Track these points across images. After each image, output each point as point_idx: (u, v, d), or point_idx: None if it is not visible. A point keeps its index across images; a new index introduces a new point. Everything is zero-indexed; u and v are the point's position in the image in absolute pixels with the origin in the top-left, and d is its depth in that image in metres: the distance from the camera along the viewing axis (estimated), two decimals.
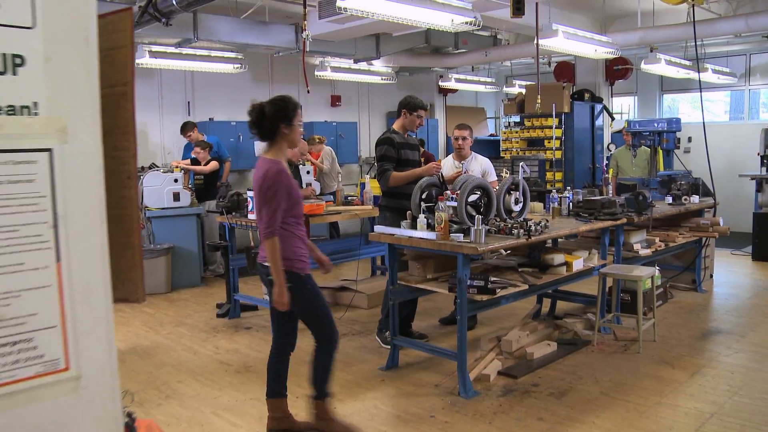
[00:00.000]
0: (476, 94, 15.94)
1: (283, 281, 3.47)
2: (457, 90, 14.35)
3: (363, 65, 10.07)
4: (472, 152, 5.87)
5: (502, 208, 4.89)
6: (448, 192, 4.75)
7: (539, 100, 6.56)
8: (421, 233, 4.44)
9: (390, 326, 5.00)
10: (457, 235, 4.32)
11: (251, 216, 6.01)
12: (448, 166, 5.81)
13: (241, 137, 10.37)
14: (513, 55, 9.96)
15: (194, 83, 10.28)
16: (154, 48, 7.64)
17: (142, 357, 5.48)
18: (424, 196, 4.97)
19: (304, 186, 7.43)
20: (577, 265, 5.10)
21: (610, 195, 6.38)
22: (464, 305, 4.19)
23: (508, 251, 5.19)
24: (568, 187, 5.97)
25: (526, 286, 4.57)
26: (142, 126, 9.76)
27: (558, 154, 10.41)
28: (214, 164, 8.58)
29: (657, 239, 6.17)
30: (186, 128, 9.00)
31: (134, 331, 6.24)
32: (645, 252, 5.84)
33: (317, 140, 10.02)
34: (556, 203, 5.73)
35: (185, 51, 7.88)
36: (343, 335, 5.89)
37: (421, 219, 4.53)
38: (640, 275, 5.12)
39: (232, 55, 8.34)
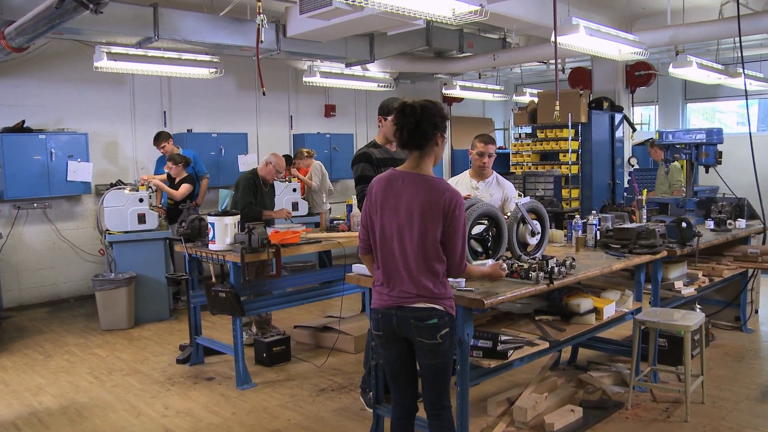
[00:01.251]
0: (483, 103, 14.96)
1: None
2: (462, 99, 13.37)
3: (357, 70, 9.08)
4: (494, 172, 4.82)
5: (516, 241, 3.87)
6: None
7: (557, 107, 5.54)
8: None
9: (373, 389, 3.99)
10: (457, 280, 3.30)
11: (212, 246, 5.02)
12: (462, 186, 4.77)
13: (223, 150, 9.40)
14: (524, 58, 8.94)
15: (171, 91, 9.32)
16: (114, 50, 6.67)
17: (72, 421, 4.47)
18: None
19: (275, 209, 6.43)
20: (609, 311, 4.07)
21: (644, 220, 5.34)
22: (466, 374, 3.16)
23: None
24: (594, 211, 4.95)
25: (545, 344, 3.54)
26: (111, 137, 8.81)
27: (574, 169, 9.37)
28: (186, 188, 7.55)
29: (700, 274, 5.12)
30: (159, 139, 8.04)
31: (75, 382, 5.24)
32: (688, 291, 4.80)
33: (305, 154, 9.04)
34: (580, 232, 4.70)
35: (152, 53, 6.90)
36: (321, 391, 4.86)
37: None
38: (687, 324, 4.08)
39: (207, 58, 7.36)
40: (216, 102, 9.78)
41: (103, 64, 6.75)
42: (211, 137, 9.34)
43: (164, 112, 9.26)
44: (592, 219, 4.76)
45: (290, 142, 10.92)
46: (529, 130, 10.03)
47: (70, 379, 5.31)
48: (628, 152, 10.21)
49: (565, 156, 9.44)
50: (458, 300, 3.12)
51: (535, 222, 3.99)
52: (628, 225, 4.70)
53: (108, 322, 6.89)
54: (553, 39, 5.65)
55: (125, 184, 7.74)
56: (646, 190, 5.60)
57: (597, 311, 3.99)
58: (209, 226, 5.05)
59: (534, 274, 3.37)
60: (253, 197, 6.02)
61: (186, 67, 7.24)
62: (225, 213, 5.07)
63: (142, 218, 7.14)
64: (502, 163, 11.23)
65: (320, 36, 7.12)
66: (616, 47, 6.50)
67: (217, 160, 9.37)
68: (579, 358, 5.31)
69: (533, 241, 3.98)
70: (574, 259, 3.65)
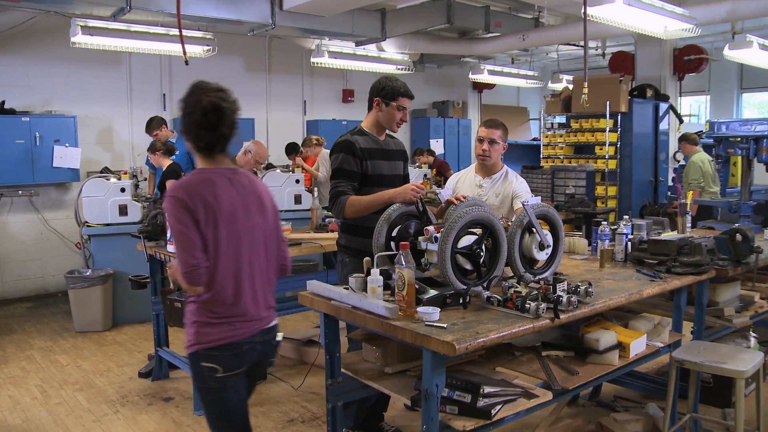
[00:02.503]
0: (518, 91, 13.99)
1: None
2: (494, 86, 12.44)
3: (372, 51, 8.25)
4: (506, 167, 3.97)
5: (518, 257, 3.02)
6: (432, 229, 2.93)
7: (585, 90, 4.65)
8: (371, 302, 2.62)
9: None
10: (429, 310, 2.49)
11: (170, 247, 4.29)
12: (465, 184, 3.96)
13: None
14: (556, 38, 7.97)
15: (171, 72, 8.66)
16: (91, 23, 5.99)
17: None
18: (394, 235, 3.17)
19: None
20: (637, 347, 3.19)
21: (689, 230, 4.41)
22: None
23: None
24: (625, 217, 4.06)
25: (548, 395, 2.70)
26: (106, 121, 8.20)
27: (612, 164, 8.39)
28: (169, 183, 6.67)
29: (757, 296, 4.17)
30: (152, 125, 7.34)
31: (17, 397, 4.59)
32: (741, 321, 3.86)
33: (315, 141, 8.29)
34: (607, 242, 3.81)
35: (135, 28, 6.21)
36: (289, 422, 4.10)
37: (374, 277, 2.70)
38: (740, 370, 3.18)
39: (199, 34, 6.64)
40: (221, 84, 9.05)
41: (80, 39, 6.08)
42: None
43: (164, 95, 8.60)
44: (623, 227, 3.86)
45: (303, 129, 10.19)
46: (562, 119, 9.07)
47: (14, 393, 4.67)
48: (673, 146, 9.16)
49: (601, 149, 8.46)
50: (423, 340, 2.31)
51: (545, 232, 3.13)
52: (666, 236, 3.79)
53: (82, 323, 6.27)
54: (583, 11, 4.74)
55: (112, 172, 7.10)
56: (692, 192, 4.66)
57: (622, 347, 3.12)
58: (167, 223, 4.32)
59: (533, 305, 2.52)
60: None
61: (175, 44, 6.52)
62: None
63: (123, 210, 6.48)
64: (534, 156, 10.29)
65: (322, 9, 6.33)
66: (661, 22, 5.56)
67: None
68: (604, 390, 4.45)
69: (542, 256, 3.12)
70: (590, 284, 2.78)
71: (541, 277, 3.04)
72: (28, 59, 7.57)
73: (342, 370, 2.97)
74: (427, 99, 12.09)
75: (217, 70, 8.91)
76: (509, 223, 3.08)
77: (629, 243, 3.78)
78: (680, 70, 9.30)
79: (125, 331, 6.23)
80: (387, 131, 3.65)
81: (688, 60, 9.14)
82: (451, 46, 8.88)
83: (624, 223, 3.99)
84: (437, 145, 11.51)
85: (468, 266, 2.87)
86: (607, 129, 8.35)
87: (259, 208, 2.46)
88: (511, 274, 3.04)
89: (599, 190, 8.34)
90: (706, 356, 3.28)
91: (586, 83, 4.67)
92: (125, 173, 6.70)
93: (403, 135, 11.63)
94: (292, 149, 8.50)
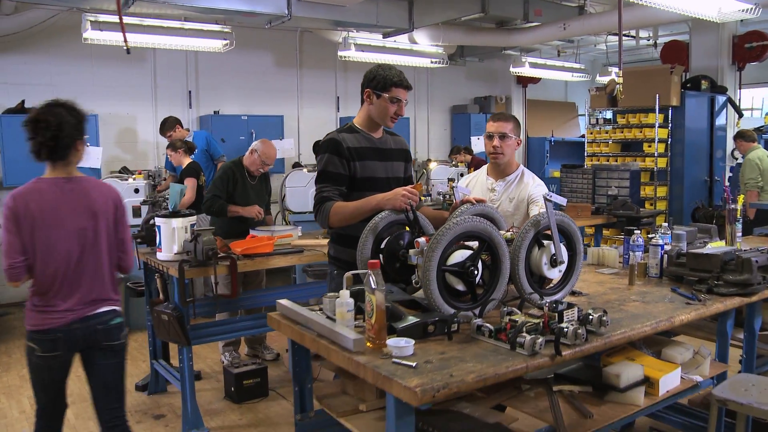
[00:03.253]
0: (565, 86, 13.30)
1: None
2: (539, 80, 11.82)
3: (403, 43, 7.82)
4: (521, 167, 3.52)
5: (523, 275, 2.55)
6: (423, 241, 2.50)
7: (620, 80, 4.11)
8: (335, 330, 2.21)
9: None
10: (401, 342, 2.06)
11: (159, 255, 3.98)
12: (476, 187, 3.51)
13: (254, 135, 8.39)
14: (600, 26, 7.34)
15: (198, 68, 8.43)
16: (101, 18, 5.77)
17: None
18: (384, 247, 2.75)
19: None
20: (669, 382, 2.68)
21: (740, 240, 3.82)
22: None
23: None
24: (664, 224, 3.53)
25: None
26: (129, 121, 8.02)
27: (662, 162, 7.73)
28: (190, 184, 6.27)
29: None
30: (165, 126, 7.11)
31: (5, 411, 4.41)
32: None
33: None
34: (639, 255, 3.30)
35: (147, 22, 5.95)
36: None
37: (343, 300, 2.29)
38: None
39: (216, 27, 6.34)
40: (249, 80, 8.81)
41: (90, 35, 5.86)
42: (240, 120, 8.38)
43: (189, 92, 8.38)
44: (659, 236, 3.34)
45: (336, 126, 9.82)
46: (608, 114, 8.44)
47: (3, 405, 4.46)
48: (731, 143, 8.41)
49: (650, 146, 7.81)
50: (384, 382, 1.89)
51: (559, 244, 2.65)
52: (711, 249, 3.25)
53: None
54: None
55: (130, 172, 6.91)
56: (743, 196, 4.06)
57: (649, 383, 2.62)
58: (156, 229, 4.01)
59: (527, 339, 2.06)
60: (223, 190, 4.95)
61: (189, 38, 6.25)
62: (175, 213, 4.01)
63: (137, 211, 6.29)
64: (578, 154, 9.66)
65: None
66: (715, 3, 4.94)
67: (247, 145, 8.38)
68: (639, 420, 3.91)
69: (554, 274, 2.64)
70: (605, 312, 2.30)
71: (551, 299, 2.57)
72: (51, 57, 7.45)
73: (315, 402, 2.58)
74: (468, 94, 11.58)
75: (244, 66, 8.68)
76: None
77: (665, 256, 3.26)
78: (740, 59, 8.52)
79: (134, 338, 5.98)
80: (384, 127, 3.23)
81: (750, 47, 8.36)
82: (487, 37, 8.35)
83: (661, 231, 3.47)
84: (478, 143, 10.94)
85: (461, 287, 2.44)
86: (657, 124, 7.70)
87: (89, 214, 2.71)
88: (518, 305, 2.57)
89: (647, 191, 7.70)
90: (757, 396, 2.74)
91: (620, 71, 4.12)
92: (140, 173, 6.49)
93: (442, 132, 11.18)
94: (318, 148, 8.14)
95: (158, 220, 3.97)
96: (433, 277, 2.32)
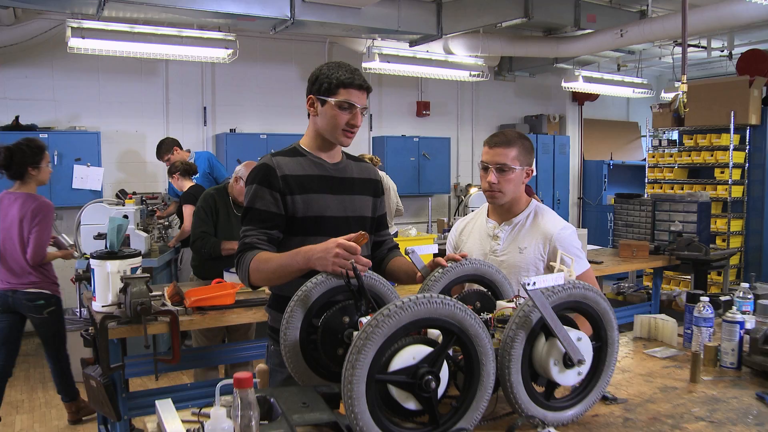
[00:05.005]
0: (627, 103, 12.15)
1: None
2: (597, 97, 10.75)
3: (437, 52, 6.96)
4: (534, 203, 2.58)
5: (518, 383, 1.64)
6: (368, 320, 1.62)
7: (684, 87, 3.16)
8: None
9: None
10: None
11: (95, 305, 3.23)
12: (474, 234, 2.61)
13: None
14: (663, 32, 6.24)
15: (215, 82, 7.79)
16: (86, 24, 5.15)
17: None
18: (320, 324, 1.89)
19: None
20: None
21: None
22: None
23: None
24: (743, 285, 2.55)
25: None
26: (138, 139, 7.42)
27: (737, 191, 6.58)
28: (188, 212, 5.51)
29: None
30: (162, 149, 6.46)
31: None
32: None
33: (367, 161, 7.08)
34: (707, 332, 2.33)
35: (138, 29, 5.31)
36: None
37: (214, 422, 1.43)
38: None
39: (219, 35, 5.65)
40: (271, 97, 8.12)
41: (74, 43, 5.26)
42: (258, 138, 7.68)
43: (204, 108, 7.74)
44: (735, 308, 2.35)
45: (369, 146, 9.05)
46: (673, 135, 7.34)
47: None
48: None
49: (723, 172, 6.68)
50: None
51: (577, 334, 1.72)
52: None
53: (77, 371, 5.39)
54: None
55: (125, 196, 6.28)
56: None
57: None
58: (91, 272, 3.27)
59: None
60: (210, 224, 4.20)
61: (186, 46, 5.57)
62: (112, 254, 3.24)
63: (125, 241, 5.58)
64: (638, 181, 8.56)
65: None
66: None
67: None
68: None
69: (570, 378, 1.71)
70: None
71: (560, 417, 1.65)
72: (53, 71, 6.94)
73: None
74: (517, 113, 10.61)
75: (266, 80, 8.01)
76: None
77: (746, 337, 2.27)
78: None
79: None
80: (344, 149, 2.39)
81: None
82: (533, 46, 7.39)
83: (739, 294, 2.49)
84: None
85: (412, 404, 1.54)
86: (731, 146, 6.58)
87: (13, 218, 4.07)
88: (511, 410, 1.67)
89: (719, 224, 6.57)
90: None
91: (683, 77, 3.16)
92: (130, 197, 5.84)
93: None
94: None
95: (92, 262, 3.22)
96: (359, 393, 1.44)
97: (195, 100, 7.70)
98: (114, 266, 3.16)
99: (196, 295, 3.31)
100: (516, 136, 2.47)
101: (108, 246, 3.30)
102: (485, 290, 2.18)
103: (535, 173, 2.50)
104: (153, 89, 7.46)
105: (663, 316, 2.73)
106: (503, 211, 2.50)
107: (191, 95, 7.66)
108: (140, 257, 3.35)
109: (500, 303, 2.06)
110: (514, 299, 2.05)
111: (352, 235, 1.96)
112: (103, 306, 3.18)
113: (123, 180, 7.26)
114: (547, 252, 2.41)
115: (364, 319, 1.73)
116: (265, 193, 2.18)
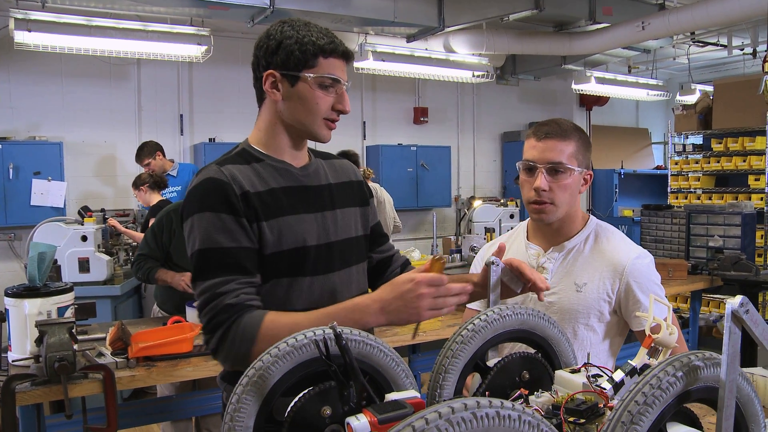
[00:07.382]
0: (636, 107, 11.50)
1: None
2: (606, 101, 10.10)
3: (437, 51, 6.28)
4: (595, 221, 1.84)
5: None
6: (360, 425, 0.89)
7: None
8: None
9: None
10: None
11: (11, 355, 2.50)
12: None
13: None
14: (692, 23, 5.54)
15: (192, 88, 7.08)
16: (33, 15, 4.45)
17: None
18: (288, 414, 1.16)
19: None
20: None
21: None
22: None
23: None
24: None
25: None
26: (109, 149, 6.71)
27: None
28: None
29: None
30: (144, 152, 5.76)
31: None
32: None
33: (362, 173, 6.39)
34: None
35: (96, 22, 4.61)
36: None
37: None
38: None
39: (191, 30, 4.95)
40: (253, 103, 7.11)
41: (20, 38, 4.55)
42: None
43: (181, 116, 7.02)
44: None
45: (362, 157, 8.34)
46: (698, 140, 6.67)
47: None
48: None
49: (757, 180, 6.00)
50: None
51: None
52: None
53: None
54: None
55: (85, 214, 5.55)
56: None
57: None
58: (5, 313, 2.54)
59: None
60: (155, 248, 3.49)
61: (153, 42, 4.87)
62: (32, 290, 2.52)
63: (84, 265, 4.88)
64: (656, 191, 7.87)
65: None
66: None
67: None
68: None
69: None
70: None
71: None
72: (10, 75, 6.21)
73: None
74: (521, 119, 9.92)
75: (249, 84, 7.20)
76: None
77: None
78: None
79: None
80: (308, 144, 1.68)
81: None
82: (544, 43, 6.70)
83: None
84: None
85: None
86: (767, 152, 5.90)
87: None
88: None
89: (758, 238, 5.87)
90: None
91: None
92: (90, 215, 5.11)
93: (490, 164, 9.58)
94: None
95: (7, 302, 2.50)
96: None
97: (170, 107, 6.98)
98: (33, 306, 2.44)
99: (144, 340, 2.59)
100: (572, 127, 1.74)
101: (29, 280, 2.57)
102: (534, 351, 1.47)
103: (590, 180, 1.77)
104: (124, 95, 6.74)
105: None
106: (552, 232, 1.77)
107: (166, 102, 6.95)
108: (71, 293, 2.63)
109: (562, 375, 1.34)
110: (584, 368, 1.34)
111: (426, 264, 1.30)
112: (21, 358, 2.47)
113: (90, 195, 6.53)
114: (617, 291, 1.69)
115: (354, 421, 1.02)
116: (227, 222, 1.45)
